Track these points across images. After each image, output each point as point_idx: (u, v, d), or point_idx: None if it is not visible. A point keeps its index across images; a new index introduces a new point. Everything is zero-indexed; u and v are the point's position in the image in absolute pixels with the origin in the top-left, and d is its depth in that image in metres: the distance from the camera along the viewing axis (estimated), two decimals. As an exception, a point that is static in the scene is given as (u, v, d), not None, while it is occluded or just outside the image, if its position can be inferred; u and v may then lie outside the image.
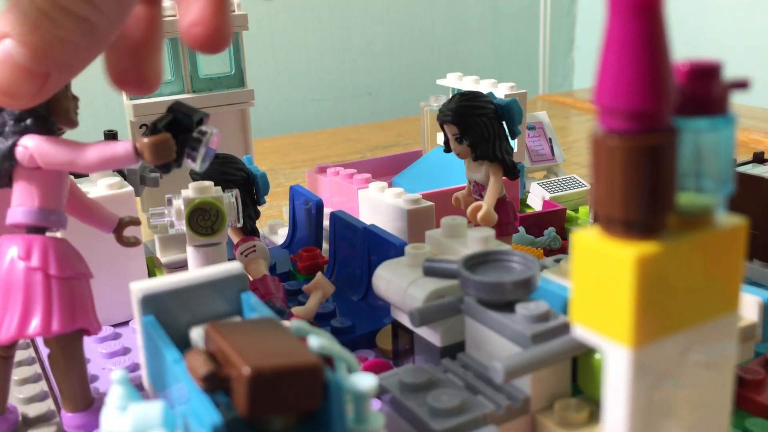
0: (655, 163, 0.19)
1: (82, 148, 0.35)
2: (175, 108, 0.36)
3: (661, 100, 0.19)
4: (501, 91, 0.63)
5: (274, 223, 0.66)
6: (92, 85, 1.13)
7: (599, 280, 0.21)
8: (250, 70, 0.61)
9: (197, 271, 0.31)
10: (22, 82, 0.28)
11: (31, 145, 0.35)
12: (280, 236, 0.63)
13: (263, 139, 1.08)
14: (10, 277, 0.35)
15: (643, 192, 0.20)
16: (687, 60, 0.21)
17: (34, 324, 0.34)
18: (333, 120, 1.30)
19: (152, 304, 0.30)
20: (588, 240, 0.21)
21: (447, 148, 0.49)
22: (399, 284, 0.38)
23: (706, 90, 0.20)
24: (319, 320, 0.46)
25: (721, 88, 0.21)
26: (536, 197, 0.65)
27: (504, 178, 0.48)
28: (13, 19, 0.27)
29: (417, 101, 0.76)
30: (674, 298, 0.21)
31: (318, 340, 0.26)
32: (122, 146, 0.35)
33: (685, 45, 1.29)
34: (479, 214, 0.46)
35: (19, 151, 0.35)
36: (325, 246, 0.58)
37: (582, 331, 0.22)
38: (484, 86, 0.65)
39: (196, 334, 0.29)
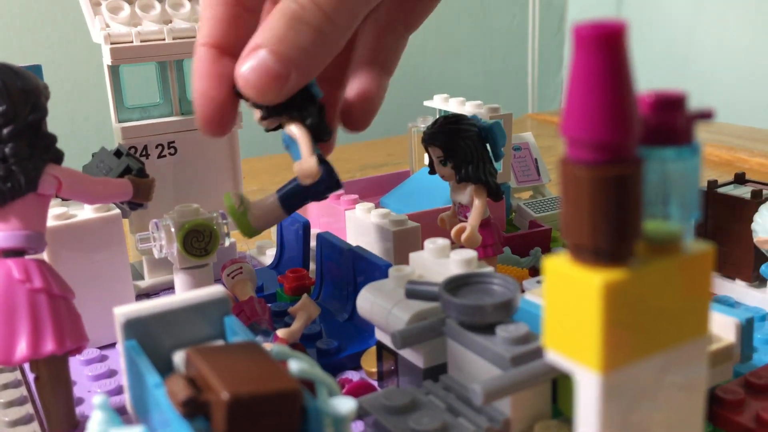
0: (621, 193, 0.20)
1: (98, 182, 0.40)
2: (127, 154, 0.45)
3: (625, 131, 0.20)
4: (486, 112, 0.64)
5: (263, 244, 0.66)
6: (84, 106, 1.13)
7: (569, 306, 0.21)
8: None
9: (180, 295, 0.32)
10: (271, 83, 0.36)
11: (61, 176, 0.37)
12: (269, 257, 0.64)
13: (254, 159, 1.08)
14: (10, 300, 0.35)
15: (610, 220, 0.20)
16: (652, 91, 0.21)
17: (48, 343, 0.35)
18: (324, 139, 1.31)
19: (135, 328, 0.30)
20: (559, 266, 0.21)
21: (432, 170, 0.50)
22: (383, 306, 0.39)
23: (672, 120, 0.21)
24: (305, 342, 0.46)
25: (686, 119, 0.21)
26: (522, 218, 0.65)
27: (488, 199, 0.49)
28: (265, 31, 0.36)
29: (407, 120, 0.76)
30: (643, 323, 0.21)
31: (298, 364, 0.26)
32: (124, 184, 0.42)
33: (674, 64, 1.30)
34: (463, 236, 0.46)
35: (47, 180, 0.36)
36: (313, 267, 0.58)
37: (554, 356, 0.22)
38: (469, 108, 0.65)
39: (179, 357, 0.30)
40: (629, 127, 0.20)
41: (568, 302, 0.21)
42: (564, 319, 0.22)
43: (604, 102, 0.19)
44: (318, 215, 0.65)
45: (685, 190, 0.22)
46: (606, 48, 0.19)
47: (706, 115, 0.21)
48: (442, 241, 0.41)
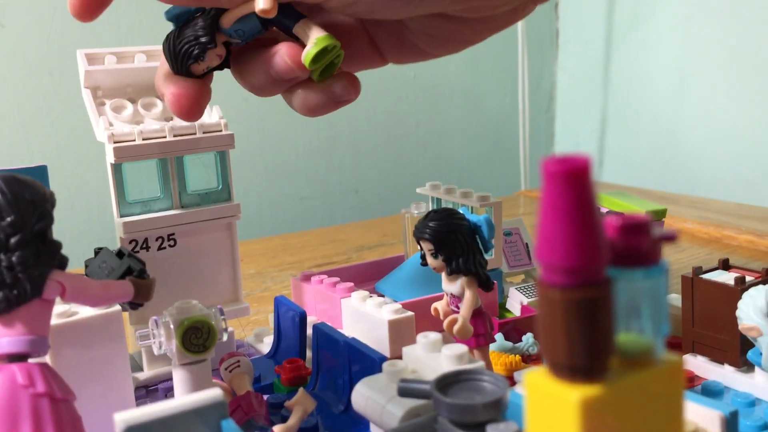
0: (593, 313, 0.21)
1: (100, 286, 0.41)
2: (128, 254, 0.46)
3: (594, 257, 0.21)
4: (477, 200, 0.66)
5: (260, 331, 0.67)
6: (85, 199, 1.15)
7: (549, 420, 0.22)
8: (240, 172, 0.63)
9: (179, 399, 0.33)
10: None
11: (65, 281, 0.38)
12: (266, 345, 0.65)
13: (252, 241, 1.10)
14: (13, 405, 0.36)
15: (584, 339, 0.22)
16: (617, 217, 0.23)
17: None
18: (321, 218, 1.33)
19: (136, 434, 0.31)
20: (538, 381, 0.23)
21: (423, 262, 0.52)
22: (377, 401, 0.40)
23: (638, 243, 0.23)
24: (302, 435, 0.47)
25: (651, 241, 0.23)
26: (515, 302, 0.67)
27: (480, 288, 0.50)
28: None
29: (402, 198, 0.78)
30: (619, 435, 0.22)
31: (293, 472, 0.27)
32: (125, 285, 0.42)
33: (660, 140, 1.34)
34: (455, 328, 0.48)
35: (51, 285, 0.38)
36: (310, 355, 0.59)
37: (537, 467, 0.23)
38: (459, 197, 0.68)
39: (178, 464, 0.31)
40: (597, 253, 0.21)
41: (548, 416, 0.22)
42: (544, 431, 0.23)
43: (573, 231, 0.21)
44: (314, 302, 0.67)
45: (654, 306, 0.23)
46: (572, 182, 0.21)
47: (670, 238, 0.23)
48: (433, 336, 0.43)
